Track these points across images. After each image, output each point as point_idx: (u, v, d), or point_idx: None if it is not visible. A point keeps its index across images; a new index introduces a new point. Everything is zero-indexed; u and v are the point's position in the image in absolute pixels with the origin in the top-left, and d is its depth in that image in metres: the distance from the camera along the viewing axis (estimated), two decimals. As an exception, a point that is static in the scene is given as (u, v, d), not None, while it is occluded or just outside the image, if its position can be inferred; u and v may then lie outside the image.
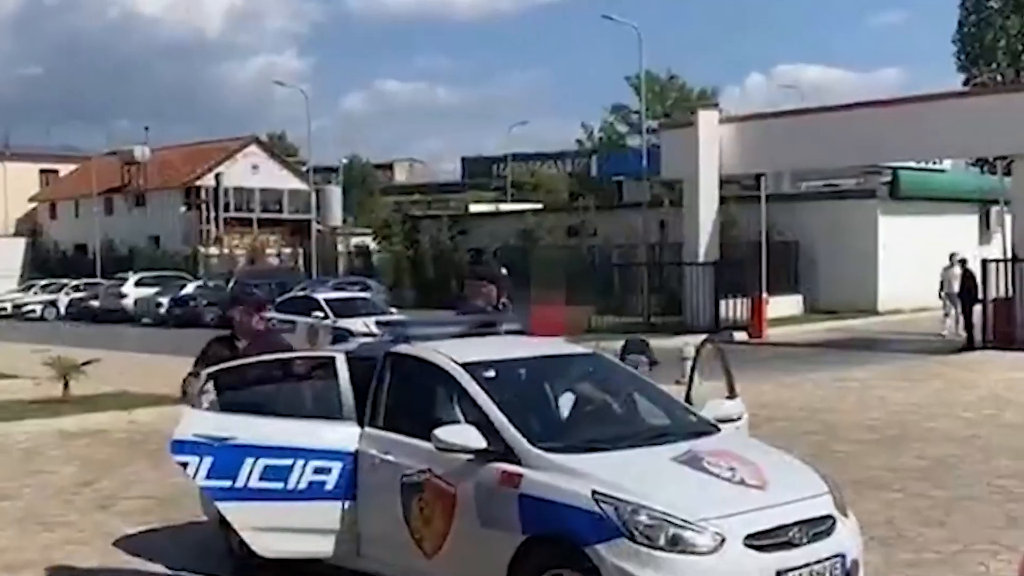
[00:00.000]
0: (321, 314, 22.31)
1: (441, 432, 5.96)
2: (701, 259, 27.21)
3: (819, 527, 5.62)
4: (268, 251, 52.56)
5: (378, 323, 7.71)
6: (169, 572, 7.45)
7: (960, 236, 30.46)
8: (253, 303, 7.53)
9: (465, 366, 6.37)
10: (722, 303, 27.05)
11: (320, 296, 24.23)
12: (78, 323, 38.01)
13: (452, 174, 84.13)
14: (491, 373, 6.41)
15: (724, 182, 29.09)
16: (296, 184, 56.81)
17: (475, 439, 5.93)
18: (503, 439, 5.91)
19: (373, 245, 47.51)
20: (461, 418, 6.28)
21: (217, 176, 55.82)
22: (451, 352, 6.54)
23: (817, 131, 25.73)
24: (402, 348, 6.78)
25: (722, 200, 28.54)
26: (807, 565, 5.44)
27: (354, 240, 52.40)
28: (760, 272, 27.44)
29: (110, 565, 7.80)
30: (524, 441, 5.87)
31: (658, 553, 5.25)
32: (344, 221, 56.48)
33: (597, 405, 6.84)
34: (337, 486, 6.49)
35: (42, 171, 67.72)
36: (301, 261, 48.26)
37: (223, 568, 7.34)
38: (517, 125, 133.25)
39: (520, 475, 5.74)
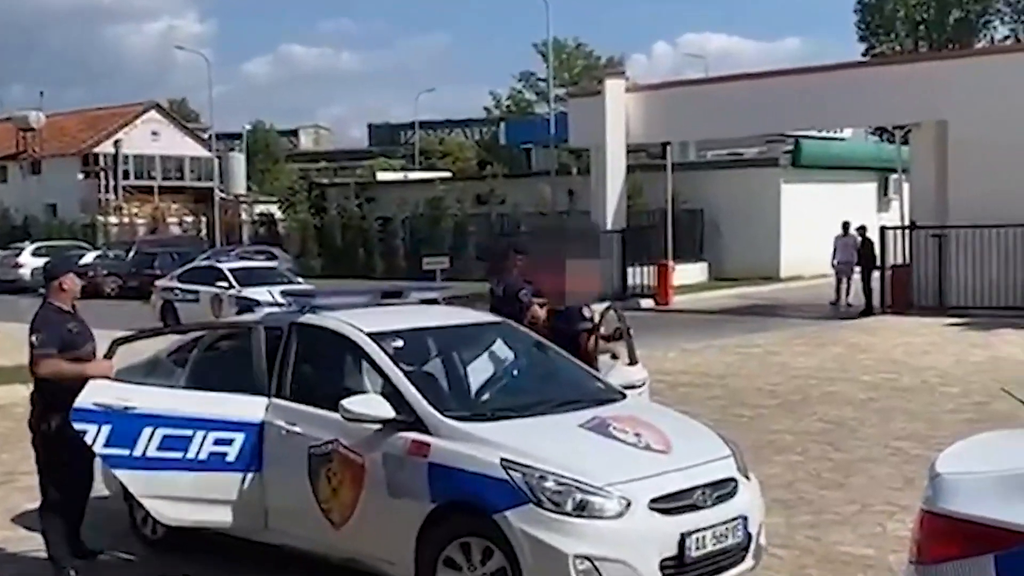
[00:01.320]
0: (225, 284, 21.90)
1: (349, 402, 5.93)
2: (608, 227, 27.39)
3: (722, 490, 5.74)
4: (170, 219, 51.40)
5: (283, 293, 7.56)
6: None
7: (859, 204, 31.15)
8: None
9: (372, 336, 6.34)
10: (629, 271, 27.32)
11: (224, 266, 23.76)
12: (-28, 294, 36.82)
13: (359, 141, 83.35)
14: (399, 343, 6.39)
15: (631, 150, 29.29)
16: (198, 151, 55.66)
17: (383, 409, 5.91)
18: (412, 408, 5.91)
19: (278, 213, 46.83)
20: (369, 388, 6.26)
21: (116, 143, 54.37)
22: (358, 322, 6.50)
23: (721, 100, 26.02)
24: (308, 318, 6.72)
25: (629, 169, 28.75)
26: (711, 527, 5.56)
27: (258, 208, 51.55)
28: (666, 240, 27.77)
29: (10, 540, 7.61)
30: (433, 410, 5.88)
31: (565, 518, 5.31)
32: (248, 189, 55.56)
33: (506, 373, 6.87)
34: (239, 457, 6.43)
35: (-69, 138, 65.19)
36: (204, 230, 47.33)
37: (126, 544, 7.22)
38: (424, 92, 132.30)
39: (429, 444, 5.75)
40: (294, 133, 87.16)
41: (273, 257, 33.07)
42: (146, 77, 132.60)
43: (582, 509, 5.34)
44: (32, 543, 7.44)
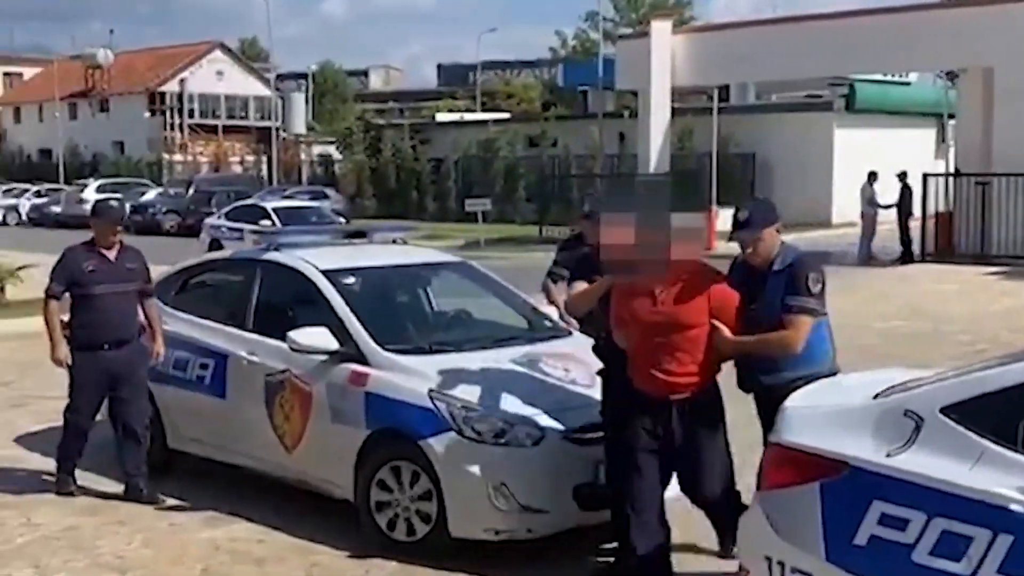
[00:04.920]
0: (268, 223, 22.42)
1: (295, 334, 6.31)
2: (652, 170, 27.39)
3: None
4: (232, 159, 52.34)
5: (251, 232, 8.26)
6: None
7: (917, 149, 30.66)
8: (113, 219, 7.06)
9: (325, 272, 6.70)
10: (673, 214, 27.21)
11: (269, 204, 24.33)
12: (39, 228, 38.04)
13: (431, 81, 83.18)
14: (350, 279, 6.75)
15: (690, 93, 29.07)
16: (262, 91, 56.40)
17: (327, 341, 6.28)
18: (354, 341, 6.26)
19: (336, 154, 47.39)
20: (323, 322, 6.60)
21: (181, 82, 55.35)
22: (314, 259, 6.87)
23: (776, 42, 25.62)
24: (271, 256, 7.10)
25: (680, 112, 28.59)
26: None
27: (317, 149, 52.19)
28: (711, 184, 27.68)
29: (9, 459, 8.09)
30: (372, 343, 6.23)
31: (483, 446, 5.65)
32: (311, 129, 56.19)
33: (453, 310, 7.20)
34: (213, 382, 6.99)
35: (5, 74, 67.00)
36: (264, 169, 48.15)
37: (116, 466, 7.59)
38: (487, 32, 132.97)
39: (367, 375, 6.10)
40: (365, 73, 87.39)
41: (323, 197, 33.63)
42: (223, 14, 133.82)
43: (499, 437, 5.67)
44: (26, 462, 7.96)
